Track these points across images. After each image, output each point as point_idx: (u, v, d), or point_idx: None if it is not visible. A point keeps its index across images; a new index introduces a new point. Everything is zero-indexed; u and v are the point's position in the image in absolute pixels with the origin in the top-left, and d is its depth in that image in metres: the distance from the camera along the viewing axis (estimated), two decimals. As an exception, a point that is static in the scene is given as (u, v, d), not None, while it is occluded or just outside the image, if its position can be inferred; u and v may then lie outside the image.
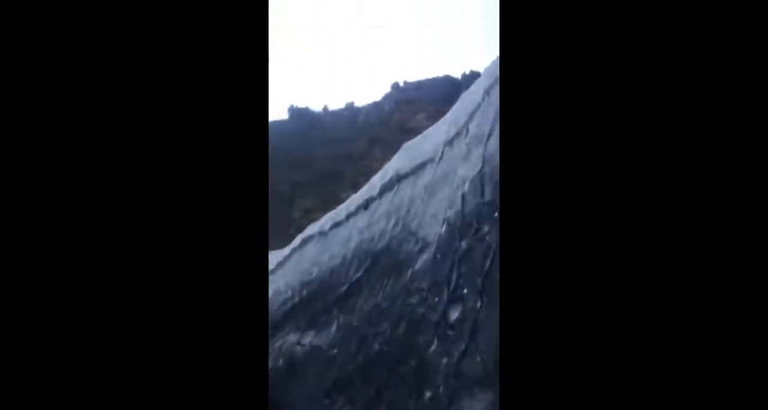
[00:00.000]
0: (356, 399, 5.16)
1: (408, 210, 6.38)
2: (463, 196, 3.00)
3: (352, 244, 8.68)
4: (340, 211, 10.63)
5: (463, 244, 2.81)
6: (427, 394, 2.81)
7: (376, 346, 5.22)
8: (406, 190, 6.90)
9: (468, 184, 3.02)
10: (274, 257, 14.71)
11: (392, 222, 6.86)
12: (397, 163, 7.99)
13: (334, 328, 7.33)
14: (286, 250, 13.66)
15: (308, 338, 8.79)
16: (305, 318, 9.49)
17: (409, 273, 5.38)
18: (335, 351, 6.68)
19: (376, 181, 8.56)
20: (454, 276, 2.85)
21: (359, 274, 7.37)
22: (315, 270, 10.35)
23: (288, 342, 9.77)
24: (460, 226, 2.97)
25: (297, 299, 10.57)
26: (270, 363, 10.31)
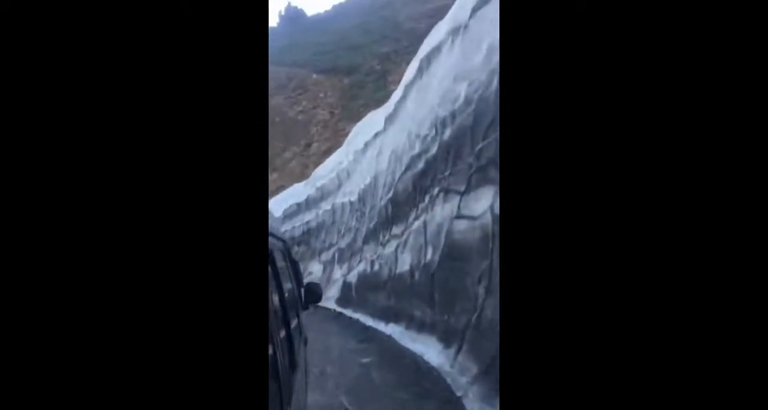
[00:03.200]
0: None
1: None
2: None
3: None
4: (461, 6, 5.46)
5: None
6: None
7: None
8: None
9: None
10: (380, 114, 10.36)
11: None
12: None
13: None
14: (389, 107, 8.90)
15: (481, 204, 4.79)
16: (459, 174, 5.37)
17: None
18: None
19: None
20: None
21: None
22: (462, 91, 5.21)
23: (439, 217, 5.62)
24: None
25: (434, 150, 6.06)
26: (406, 254, 6.56)
